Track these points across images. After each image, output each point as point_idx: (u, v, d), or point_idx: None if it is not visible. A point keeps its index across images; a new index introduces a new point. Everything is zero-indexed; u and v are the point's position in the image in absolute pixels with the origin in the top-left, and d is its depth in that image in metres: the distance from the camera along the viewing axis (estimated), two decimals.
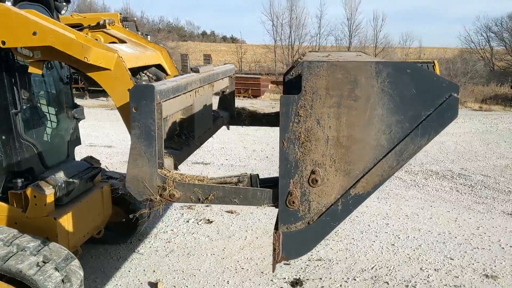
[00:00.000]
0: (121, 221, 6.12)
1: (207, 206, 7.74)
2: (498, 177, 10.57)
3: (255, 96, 27.55)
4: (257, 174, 3.30)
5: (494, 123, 20.48)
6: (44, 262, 4.12)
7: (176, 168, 3.69)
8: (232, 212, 7.42)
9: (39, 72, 4.04)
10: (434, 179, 10.23)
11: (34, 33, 3.58)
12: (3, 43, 3.63)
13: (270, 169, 10.44)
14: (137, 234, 6.31)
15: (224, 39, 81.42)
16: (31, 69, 3.92)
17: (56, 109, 5.30)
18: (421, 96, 2.62)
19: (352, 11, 51.14)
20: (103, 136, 14.16)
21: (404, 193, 8.89)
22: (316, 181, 2.87)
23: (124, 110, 3.89)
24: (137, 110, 3.08)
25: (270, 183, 3.22)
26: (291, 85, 3.11)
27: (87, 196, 5.25)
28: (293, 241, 2.99)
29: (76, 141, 5.62)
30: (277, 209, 3.01)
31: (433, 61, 27.66)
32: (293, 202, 3.04)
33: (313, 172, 2.86)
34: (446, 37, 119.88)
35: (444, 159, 12.52)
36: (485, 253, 6.20)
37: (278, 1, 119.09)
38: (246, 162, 11.31)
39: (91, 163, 5.61)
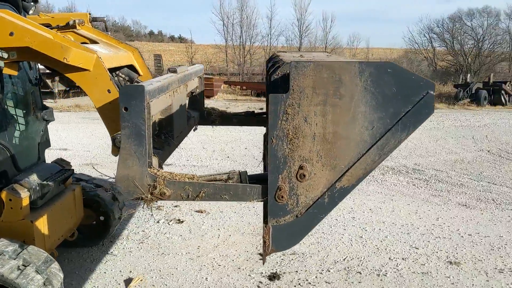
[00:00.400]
0: (92, 223, 6.07)
1: (176, 206, 7.75)
2: (449, 171, 11.06)
3: (208, 97, 27.55)
4: (246, 171, 3.41)
5: (440, 121, 21.31)
6: (25, 266, 4.06)
7: (161, 167, 3.74)
8: (202, 212, 7.47)
9: (15, 73, 3.99)
10: (391, 175, 10.60)
11: (11, 34, 3.51)
12: None
13: (233, 169, 10.50)
14: (109, 236, 6.26)
15: (172, 38, 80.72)
16: (6, 70, 3.85)
17: (25, 111, 5.21)
18: (401, 94, 2.81)
19: (302, 12, 51.80)
20: (56, 139, 13.81)
21: (365, 188, 9.18)
22: (304, 176, 3.02)
23: (103, 110, 3.89)
24: (127, 110, 3.12)
25: (258, 179, 3.33)
26: (277, 84, 3.24)
27: (60, 198, 5.19)
28: (282, 233, 3.13)
29: (46, 143, 5.55)
30: (260, 205, 3.13)
31: None
32: (282, 197, 3.18)
33: (301, 167, 3.01)
34: (392, 38, 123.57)
35: (397, 156, 12.95)
36: (447, 241, 6.52)
37: (229, 1, 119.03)
38: (207, 162, 11.35)
39: (62, 165, 5.54)
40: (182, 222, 7.10)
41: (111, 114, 3.90)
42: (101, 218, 6.06)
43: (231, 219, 7.25)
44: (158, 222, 7.08)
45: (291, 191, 3.09)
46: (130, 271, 5.51)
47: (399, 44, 73.75)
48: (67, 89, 23.50)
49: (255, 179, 3.39)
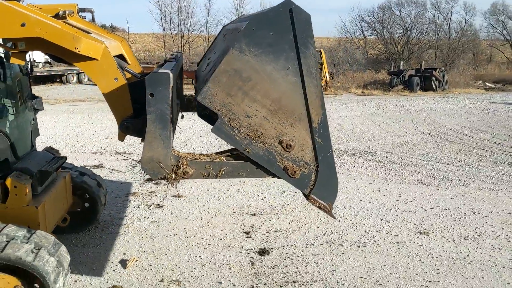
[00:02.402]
0: (78, 210, 6.14)
1: (151, 192, 7.91)
2: (398, 153, 11.77)
3: None
4: None
5: (379, 106, 22.31)
6: (37, 249, 4.17)
7: None
8: (179, 196, 7.66)
9: (22, 63, 4.06)
10: (346, 157, 11.17)
11: (23, 25, 3.57)
12: None
13: None
14: (96, 222, 6.36)
15: (103, 27, 78.42)
16: (13, 60, 3.91)
17: (18, 101, 5.23)
18: (277, 30, 3.16)
19: (240, 1, 52.02)
20: None
21: None
22: (290, 145, 3.44)
23: (110, 98, 4.01)
24: (152, 96, 3.35)
25: None
26: (207, 116, 3.71)
27: (55, 185, 5.28)
28: (323, 190, 3.51)
29: (36, 132, 5.59)
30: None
31: (320, 50, 29.30)
32: (294, 172, 3.57)
33: (280, 142, 3.41)
34: (328, 27, 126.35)
35: (347, 140, 13.61)
36: (413, 215, 7.09)
37: None
38: None
39: (52, 153, 5.60)
40: (162, 206, 7.28)
41: (118, 101, 4.03)
42: (87, 204, 6.16)
43: (209, 202, 7.51)
44: (138, 207, 7.22)
45: (294, 162, 3.47)
46: (124, 253, 5.67)
47: (333, 33, 75.50)
48: None
49: None
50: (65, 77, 34.65)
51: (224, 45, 3.75)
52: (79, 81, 35.91)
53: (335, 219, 3.68)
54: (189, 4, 49.25)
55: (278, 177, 3.53)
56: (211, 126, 3.37)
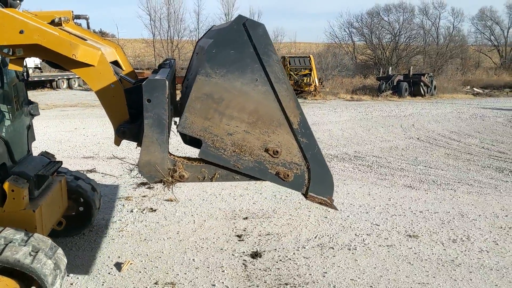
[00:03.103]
0: (72, 214, 6.20)
1: (144, 196, 7.98)
2: (387, 157, 11.93)
3: None
4: None
5: (368, 111, 22.50)
6: (35, 252, 4.23)
7: None
8: (171, 200, 7.74)
9: (20, 69, 4.14)
10: (336, 162, 11.30)
11: (21, 32, 3.64)
12: None
13: None
14: (90, 226, 6.42)
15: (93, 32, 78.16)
16: (12, 66, 3.99)
17: (14, 106, 5.29)
18: (237, 48, 3.31)
19: (229, 7, 52.24)
20: None
21: None
22: (276, 151, 3.59)
23: (107, 103, 4.10)
24: (150, 101, 3.46)
25: None
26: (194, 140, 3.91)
27: (51, 189, 5.34)
28: (319, 186, 3.65)
29: (32, 137, 5.65)
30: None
31: (309, 56, 29.57)
32: (287, 175, 3.70)
33: (266, 150, 3.56)
34: (315, 32, 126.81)
35: (336, 144, 13.75)
36: (402, 218, 7.22)
37: None
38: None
39: (48, 157, 5.68)
40: (155, 210, 7.36)
41: (114, 107, 4.11)
42: (81, 208, 6.22)
43: (202, 206, 7.59)
44: (131, 211, 7.29)
45: (285, 166, 3.62)
46: (119, 257, 5.74)
47: (322, 38, 76.01)
48: None
49: None
50: (55, 82, 34.60)
51: (196, 66, 3.90)
52: (70, 86, 35.88)
53: (337, 210, 3.82)
54: (178, 10, 49.38)
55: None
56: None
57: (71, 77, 35.33)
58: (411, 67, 36.10)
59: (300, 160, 3.57)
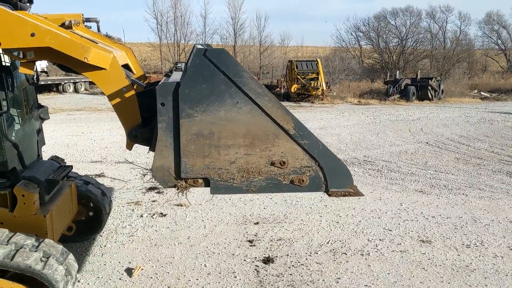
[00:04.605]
0: (82, 219, 6.15)
1: (154, 201, 7.94)
2: (397, 162, 11.84)
3: None
4: None
5: (376, 115, 22.41)
6: (46, 258, 4.19)
7: None
8: (181, 205, 7.69)
9: (31, 72, 4.08)
10: None
11: (32, 34, 3.58)
12: None
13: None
14: (101, 231, 6.37)
15: None
16: (23, 70, 3.93)
17: (25, 110, 5.26)
18: (209, 75, 3.27)
19: (236, 10, 52.25)
20: None
21: None
22: (283, 162, 3.55)
23: (119, 107, 4.04)
24: (163, 105, 3.42)
25: None
26: None
27: (61, 194, 5.30)
28: (337, 180, 3.60)
29: (42, 141, 5.61)
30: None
31: (317, 60, 29.53)
32: (303, 180, 3.64)
33: (272, 163, 3.52)
34: (322, 36, 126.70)
35: (345, 149, 13.67)
36: (415, 223, 7.14)
37: None
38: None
39: (58, 162, 5.64)
40: (165, 215, 7.31)
41: (126, 111, 4.05)
42: (91, 213, 6.17)
43: (212, 211, 7.54)
44: (141, 216, 7.24)
45: (296, 173, 3.58)
46: (129, 262, 5.69)
47: (329, 42, 76.01)
48: None
49: None
50: (61, 86, 34.65)
51: None
52: (76, 90, 35.95)
53: (363, 195, 3.78)
54: (185, 14, 49.31)
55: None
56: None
57: (77, 81, 35.42)
58: (419, 71, 35.94)
59: (309, 161, 3.53)
